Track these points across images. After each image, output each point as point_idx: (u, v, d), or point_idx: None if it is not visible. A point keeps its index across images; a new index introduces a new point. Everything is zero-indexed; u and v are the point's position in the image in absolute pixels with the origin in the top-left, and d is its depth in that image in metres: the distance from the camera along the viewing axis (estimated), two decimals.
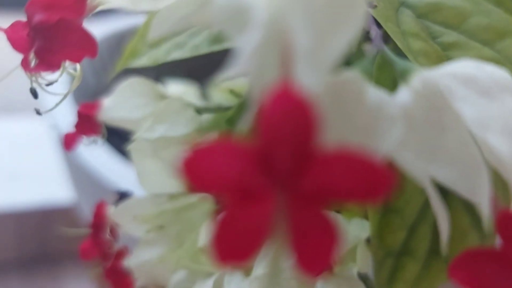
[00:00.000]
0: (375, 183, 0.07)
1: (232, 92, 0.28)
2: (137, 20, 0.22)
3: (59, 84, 0.18)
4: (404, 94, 0.10)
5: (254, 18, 0.08)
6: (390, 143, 0.09)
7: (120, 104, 0.21)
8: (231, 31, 0.08)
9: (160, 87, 0.23)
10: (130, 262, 0.21)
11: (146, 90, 0.21)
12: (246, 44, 0.08)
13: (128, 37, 0.24)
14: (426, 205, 0.19)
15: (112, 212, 0.21)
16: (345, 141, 0.09)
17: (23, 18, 0.14)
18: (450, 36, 0.15)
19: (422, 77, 0.10)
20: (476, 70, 0.10)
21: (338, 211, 0.20)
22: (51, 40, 0.12)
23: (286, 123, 0.07)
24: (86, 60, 0.14)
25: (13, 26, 0.13)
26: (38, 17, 0.12)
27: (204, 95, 0.39)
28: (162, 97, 0.22)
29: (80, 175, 0.39)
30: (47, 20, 0.12)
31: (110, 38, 0.48)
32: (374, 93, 0.10)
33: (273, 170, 0.07)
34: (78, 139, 0.22)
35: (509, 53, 0.15)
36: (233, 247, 0.08)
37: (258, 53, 0.08)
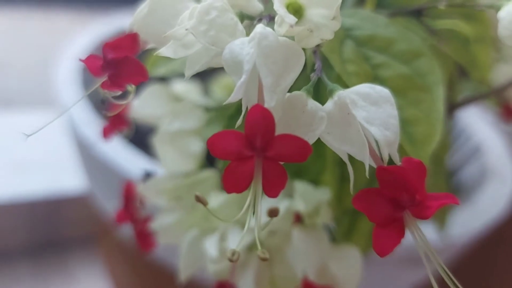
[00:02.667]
0: (302, 151, 0.16)
1: (231, 88, 0.38)
2: None
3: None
4: (329, 104, 0.19)
5: (243, 67, 0.17)
6: (320, 132, 0.18)
7: (146, 105, 0.30)
8: (232, 74, 0.17)
9: (174, 91, 0.32)
10: (155, 225, 0.30)
11: (165, 93, 0.30)
12: (239, 82, 0.17)
13: None
14: (374, 175, 0.28)
15: (141, 187, 0.30)
16: (292, 132, 0.18)
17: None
18: (378, 58, 0.24)
19: (339, 94, 0.19)
20: (370, 89, 0.19)
21: (314, 182, 0.29)
22: (119, 69, 0.21)
23: (259, 122, 0.16)
24: None
25: (89, 57, 0.22)
26: (110, 55, 0.21)
27: (206, 91, 0.47)
28: (176, 98, 0.31)
29: (94, 164, 0.47)
30: (116, 57, 0.21)
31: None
32: (312, 104, 0.19)
33: (253, 146, 0.17)
34: (113, 131, 0.31)
35: (420, 69, 0.24)
36: (234, 184, 0.17)
37: (245, 86, 0.17)
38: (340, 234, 0.28)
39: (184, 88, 0.45)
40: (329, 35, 0.18)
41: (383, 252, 0.18)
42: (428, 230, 0.39)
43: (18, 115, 0.73)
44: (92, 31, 0.57)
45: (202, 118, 0.29)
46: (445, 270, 0.19)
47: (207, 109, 0.30)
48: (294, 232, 0.26)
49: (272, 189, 0.17)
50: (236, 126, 0.17)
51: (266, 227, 0.26)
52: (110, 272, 0.58)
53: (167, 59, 0.31)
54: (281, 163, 0.17)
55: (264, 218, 0.20)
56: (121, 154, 0.41)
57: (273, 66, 0.17)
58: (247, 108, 0.18)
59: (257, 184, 0.17)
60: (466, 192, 0.52)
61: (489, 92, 0.37)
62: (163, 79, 0.33)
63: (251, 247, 0.27)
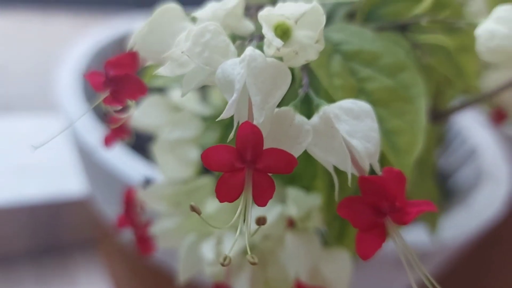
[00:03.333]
0: (288, 164, 0.18)
1: None
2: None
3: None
4: (315, 118, 0.21)
5: (235, 86, 0.19)
6: (306, 144, 0.20)
7: (146, 115, 0.32)
8: (225, 92, 0.19)
9: (172, 100, 0.34)
10: (155, 229, 0.32)
11: (163, 104, 0.32)
12: (231, 99, 0.19)
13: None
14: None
15: (141, 193, 0.32)
16: (280, 144, 0.20)
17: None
18: (364, 72, 0.26)
19: (324, 109, 0.21)
20: (353, 105, 0.21)
21: (306, 188, 0.31)
22: (120, 86, 0.23)
23: (248, 137, 0.18)
24: None
25: (91, 73, 0.24)
26: (111, 72, 0.23)
27: (204, 97, 0.49)
28: (175, 108, 0.33)
29: (95, 169, 0.49)
30: (117, 75, 0.23)
31: (115, 42, 0.59)
32: (299, 118, 0.21)
33: (244, 159, 0.19)
34: (114, 140, 0.33)
35: (404, 82, 0.26)
36: (226, 194, 0.19)
37: (236, 104, 0.19)
38: (331, 237, 0.30)
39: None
40: (313, 56, 0.20)
41: (365, 255, 0.20)
42: (421, 233, 0.41)
43: (19, 119, 0.75)
44: (92, 35, 0.59)
45: (200, 127, 0.31)
46: (424, 273, 0.21)
47: (205, 118, 0.32)
48: (287, 236, 0.28)
49: (261, 198, 0.19)
50: (228, 140, 0.19)
51: (257, 232, 0.28)
52: (110, 275, 0.60)
53: None
54: (270, 174, 0.19)
55: (254, 225, 0.22)
56: (121, 161, 0.43)
57: (261, 85, 0.19)
58: (238, 123, 0.20)
59: (247, 194, 0.19)
60: (461, 194, 0.54)
61: (480, 97, 0.39)
62: (161, 89, 0.35)
63: (245, 251, 0.29)
